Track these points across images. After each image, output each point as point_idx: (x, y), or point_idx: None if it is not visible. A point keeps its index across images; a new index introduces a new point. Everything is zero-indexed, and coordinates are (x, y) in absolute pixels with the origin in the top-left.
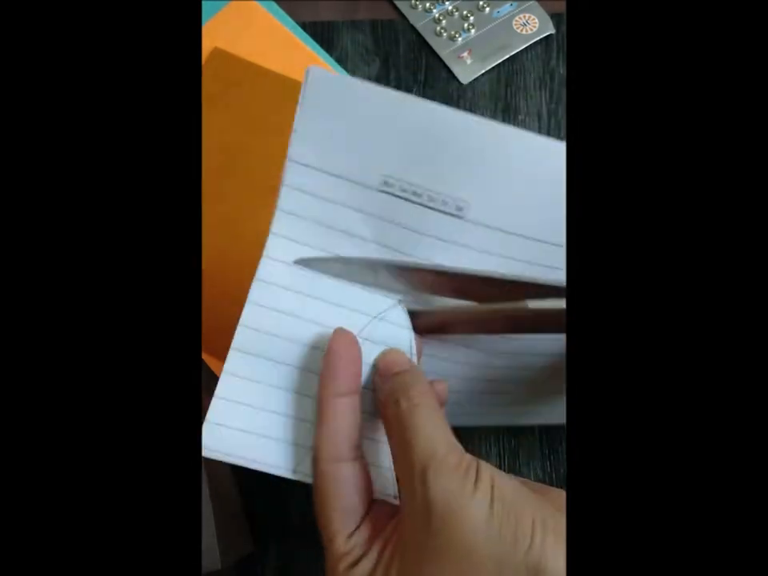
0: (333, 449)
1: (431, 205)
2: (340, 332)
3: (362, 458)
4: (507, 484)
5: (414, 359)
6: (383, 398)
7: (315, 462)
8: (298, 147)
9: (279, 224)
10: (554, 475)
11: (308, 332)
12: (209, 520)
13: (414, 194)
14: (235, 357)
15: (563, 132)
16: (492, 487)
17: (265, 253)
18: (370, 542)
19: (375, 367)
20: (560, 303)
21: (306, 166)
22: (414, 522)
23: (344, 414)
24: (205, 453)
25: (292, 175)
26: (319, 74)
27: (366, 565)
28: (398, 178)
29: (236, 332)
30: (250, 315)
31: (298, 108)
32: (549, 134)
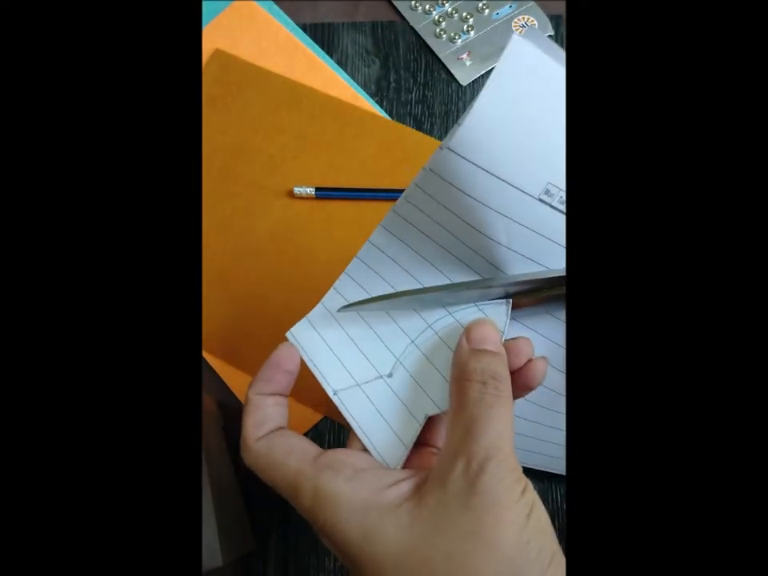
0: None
1: None
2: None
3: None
4: (544, 512)
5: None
6: (469, 370)
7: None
8: (466, 138)
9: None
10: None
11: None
12: (209, 517)
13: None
14: (347, 281)
15: None
16: (533, 504)
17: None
18: (351, 467)
19: (466, 331)
20: None
21: (466, 160)
22: (448, 492)
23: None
24: (288, 335)
25: (444, 166)
26: (527, 49)
27: (350, 482)
28: (560, 188)
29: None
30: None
31: (486, 86)
32: None
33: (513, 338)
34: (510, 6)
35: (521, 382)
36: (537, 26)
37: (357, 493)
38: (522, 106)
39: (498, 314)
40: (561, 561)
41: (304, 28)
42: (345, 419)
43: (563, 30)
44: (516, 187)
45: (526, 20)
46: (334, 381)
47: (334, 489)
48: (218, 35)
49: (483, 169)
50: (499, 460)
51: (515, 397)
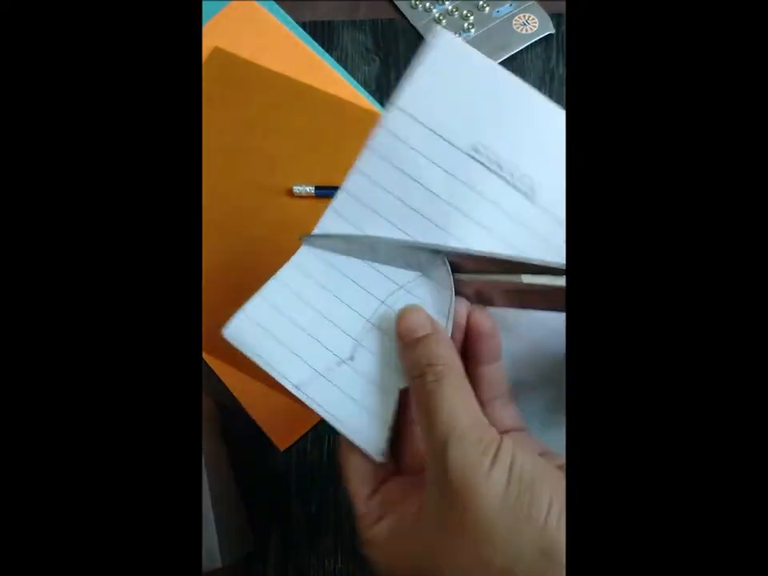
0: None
1: (509, 179)
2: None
3: None
4: (527, 461)
5: (449, 323)
6: (408, 366)
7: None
8: (409, 97)
9: (351, 183)
10: None
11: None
12: (208, 518)
13: (498, 165)
14: (288, 269)
15: None
16: (511, 464)
17: (330, 205)
18: (388, 506)
19: (396, 326)
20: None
21: (410, 116)
22: (432, 494)
23: None
24: (225, 333)
25: (393, 121)
26: (448, 38)
27: (381, 528)
28: (486, 146)
29: (297, 254)
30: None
31: (419, 63)
32: None
33: (471, 311)
34: (511, 5)
35: (485, 354)
36: (537, 24)
37: (382, 534)
38: (450, 77)
39: (441, 277)
40: (561, 500)
41: (304, 26)
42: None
43: (563, 28)
44: (449, 142)
45: (526, 18)
46: (292, 374)
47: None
48: (218, 33)
49: (422, 123)
50: (454, 442)
51: (487, 362)
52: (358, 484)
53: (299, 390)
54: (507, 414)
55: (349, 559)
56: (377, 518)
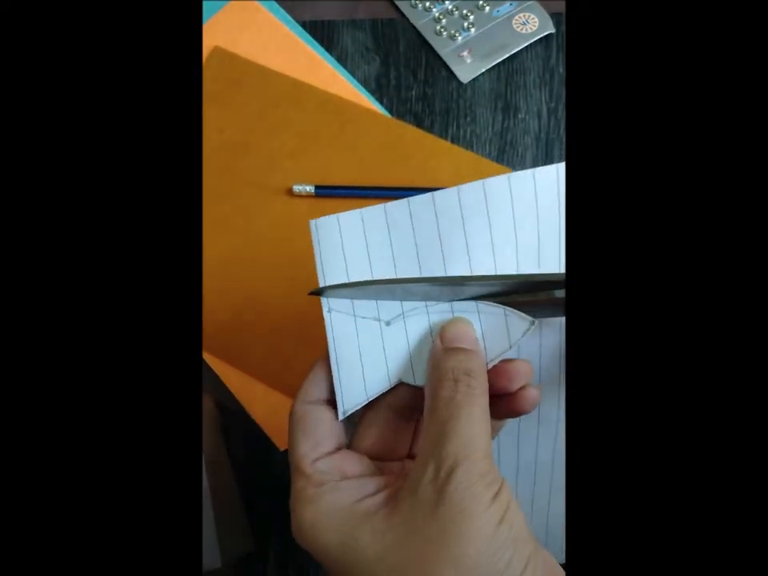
0: (309, 393)
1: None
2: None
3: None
4: (519, 514)
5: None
6: (442, 369)
7: (293, 404)
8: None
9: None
10: None
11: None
12: (208, 518)
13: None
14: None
15: (563, 130)
16: (507, 510)
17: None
18: (344, 473)
19: (441, 330)
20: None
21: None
22: (419, 499)
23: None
24: (313, 221)
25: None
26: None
27: (343, 496)
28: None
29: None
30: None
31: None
32: (548, 132)
33: (512, 360)
34: (511, 4)
35: (512, 406)
36: (537, 23)
37: (338, 501)
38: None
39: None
40: (537, 564)
41: (304, 25)
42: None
43: (563, 27)
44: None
45: (526, 17)
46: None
47: (315, 495)
48: (218, 32)
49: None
50: (468, 467)
51: (504, 416)
52: (309, 449)
53: (329, 308)
54: None
55: None
56: (320, 482)
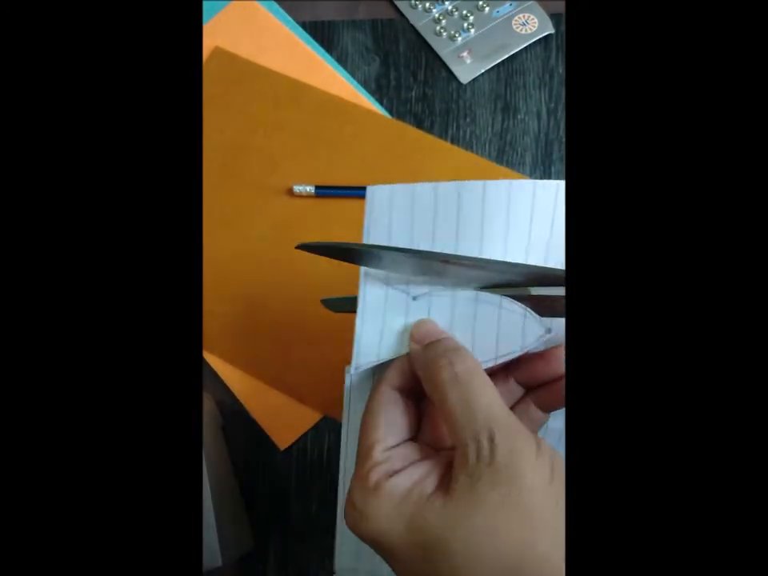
0: (395, 378)
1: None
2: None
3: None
4: (562, 462)
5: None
6: (428, 361)
7: (376, 385)
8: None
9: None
10: None
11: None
12: (209, 517)
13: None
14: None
15: (562, 131)
16: (553, 460)
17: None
18: (409, 462)
19: (411, 336)
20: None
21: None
22: (471, 473)
23: None
24: (370, 187)
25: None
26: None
27: (404, 480)
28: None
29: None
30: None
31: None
32: (548, 132)
33: (548, 348)
34: (510, 5)
35: (560, 393)
36: (537, 23)
37: (399, 486)
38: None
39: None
40: None
41: (304, 26)
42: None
43: (563, 28)
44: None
45: (525, 18)
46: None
47: (380, 482)
48: (218, 33)
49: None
50: (502, 430)
51: (551, 407)
52: (384, 434)
53: (366, 273)
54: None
55: None
56: (393, 469)
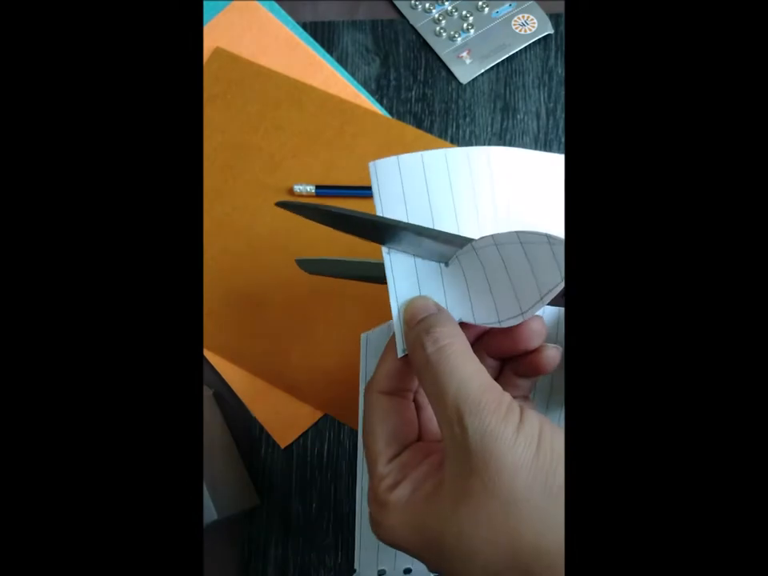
0: (381, 382)
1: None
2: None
3: (411, 398)
4: (558, 434)
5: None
6: (409, 346)
7: (366, 392)
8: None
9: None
10: None
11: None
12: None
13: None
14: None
15: (561, 131)
16: (540, 434)
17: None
18: (406, 470)
19: (403, 315)
20: None
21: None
22: (452, 463)
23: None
24: (372, 162)
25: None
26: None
27: (404, 490)
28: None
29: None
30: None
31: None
32: (547, 132)
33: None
34: (510, 5)
35: (533, 365)
36: (536, 24)
37: (402, 496)
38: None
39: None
40: None
41: (304, 26)
42: (386, 285)
43: (562, 28)
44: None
45: (525, 18)
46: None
47: (386, 495)
48: (219, 33)
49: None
50: (471, 410)
51: (530, 375)
52: (383, 445)
53: (388, 250)
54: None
55: (349, 557)
56: (395, 481)
